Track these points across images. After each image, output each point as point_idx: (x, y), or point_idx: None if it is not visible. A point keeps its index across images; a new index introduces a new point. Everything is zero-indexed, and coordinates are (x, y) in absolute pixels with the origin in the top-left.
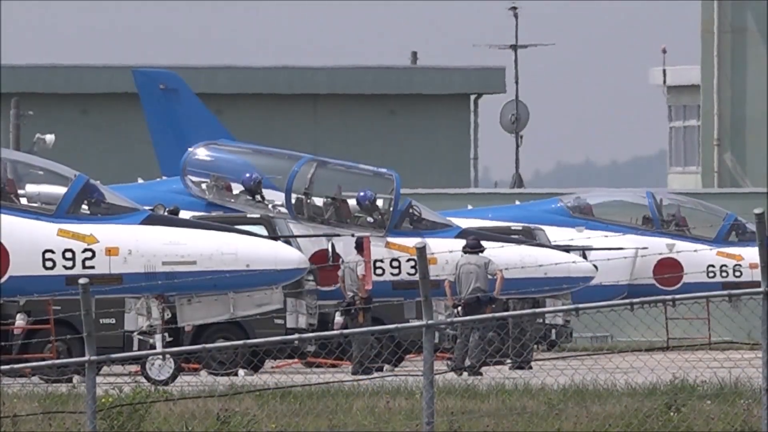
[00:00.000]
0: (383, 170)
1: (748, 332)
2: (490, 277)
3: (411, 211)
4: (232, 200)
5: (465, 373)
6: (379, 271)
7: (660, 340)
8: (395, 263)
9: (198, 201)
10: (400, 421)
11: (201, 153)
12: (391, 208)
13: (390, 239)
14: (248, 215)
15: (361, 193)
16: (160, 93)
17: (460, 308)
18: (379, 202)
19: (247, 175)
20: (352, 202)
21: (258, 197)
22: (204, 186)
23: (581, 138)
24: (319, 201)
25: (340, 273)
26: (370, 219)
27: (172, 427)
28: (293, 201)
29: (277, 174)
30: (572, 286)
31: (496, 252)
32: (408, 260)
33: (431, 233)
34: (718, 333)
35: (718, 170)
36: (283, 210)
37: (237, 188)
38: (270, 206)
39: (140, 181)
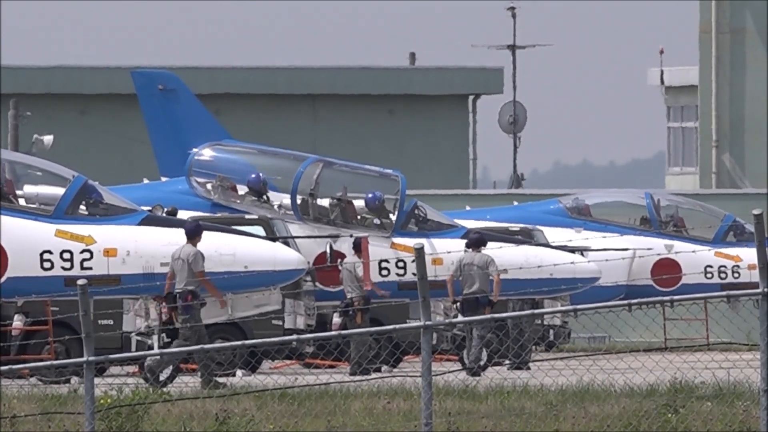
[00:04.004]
0: (389, 171)
1: (747, 333)
2: (490, 277)
3: (416, 212)
4: (238, 201)
5: (463, 374)
6: (384, 272)
7: (658, 341)
8: (401, 264)
9: (203, 201)
10: (398, 422)
11: (206, 153)
12: (397, 209)
13: (395, 240)
14: (246, 216)
15: (370, 195)
16: (158, 93)
17: (458, 304)
18: (385, 203)
19: (253, 175)
20: (358, 202)
21: (264, 198)
22: (209, 186)
23: (579, 139)
24: (324, 202)
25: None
26: (376, 220)
27: (170, 427)
28: (299, 202)
29: (283, 175)
30: (576, 287)
31: (499, 252)
32: (413, 261)
33: (437, 234)
34: (717, 334)
35: (717, 171)
36: (289, 211)
37: (243, 189)
38: (275, 207)
39: (146, 181)
